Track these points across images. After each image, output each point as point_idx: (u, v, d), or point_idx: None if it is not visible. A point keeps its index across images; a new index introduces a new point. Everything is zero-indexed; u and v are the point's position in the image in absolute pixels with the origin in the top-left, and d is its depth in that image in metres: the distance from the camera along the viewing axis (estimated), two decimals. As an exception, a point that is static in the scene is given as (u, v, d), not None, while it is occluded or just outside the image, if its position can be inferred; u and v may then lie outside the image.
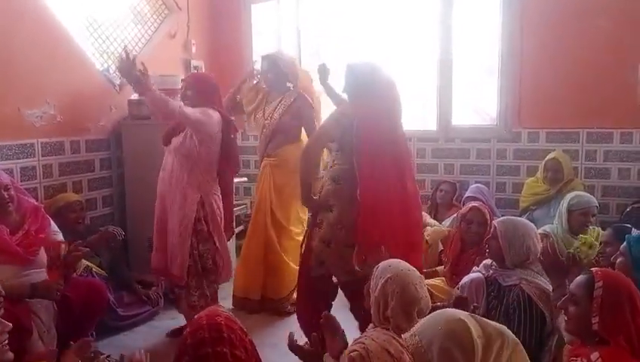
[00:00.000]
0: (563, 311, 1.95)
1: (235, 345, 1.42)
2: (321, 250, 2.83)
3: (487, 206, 3.97)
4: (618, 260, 2.36)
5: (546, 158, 3.99)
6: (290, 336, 2.00)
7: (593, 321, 1.76)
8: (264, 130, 3.79)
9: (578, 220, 3.33)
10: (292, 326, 2.97)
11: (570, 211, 3.35)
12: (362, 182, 2.69)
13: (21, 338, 2.33)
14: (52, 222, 2.83)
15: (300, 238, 3.43)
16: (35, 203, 2.82)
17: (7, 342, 1.73)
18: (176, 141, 3.08)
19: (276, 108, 3.74)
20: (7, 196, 2.61)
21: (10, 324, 1.74)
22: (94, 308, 2.82)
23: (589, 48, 4.11)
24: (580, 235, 3.21)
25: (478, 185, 4.29)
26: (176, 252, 3.05)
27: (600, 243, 3.02)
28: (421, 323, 1.49)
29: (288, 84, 3.79)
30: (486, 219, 3.25)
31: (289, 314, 3.62)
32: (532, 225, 2.80)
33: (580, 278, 1.88)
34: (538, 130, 4.36)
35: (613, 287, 1.78)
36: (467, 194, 4.16)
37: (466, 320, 1.40)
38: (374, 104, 2.78)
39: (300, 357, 1.99)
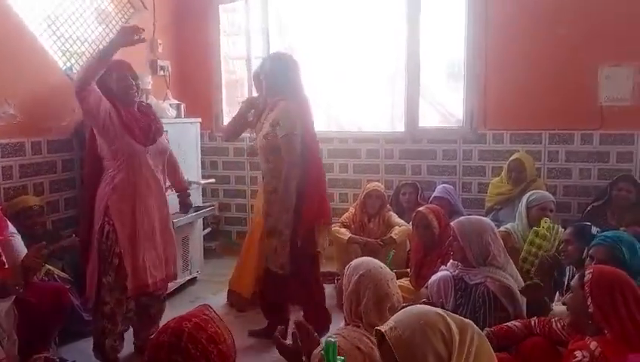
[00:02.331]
0: (566, 307, 2.08)
1: (191, 355, 1.39)
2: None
3: (451, 206, 4.06)
4: (589, 264, 2.46)
5: (510, 159, 4.09)
6: (279, 331, 1.99)
7: (588, 303, 1.91)
8: None
9: (536, 215, 3.42)
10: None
11: (528, 208, 3.46)
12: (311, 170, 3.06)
13: None
14: (10, 225, 2.75)
15: None
16: None
17: None
18: (161, 142, 2.96)
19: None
20: None
21: None
22: (57, 313, 2.74)
23: (551, 52, 4.22)
24: (534, 228, 3.30)
25: (445, 185, 4.36)
26: (167, 252, 2.99)
27: (562, 241, 3.10)
28: (398, 318, 1.50)
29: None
30: (429, 221, 3.27)
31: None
32: (488, 220, 2.88)
33: (577, 275, 2.06)
34: (502, 132, 4.45)
35: (601, 273, 1.96)
36: (434, 194, 4.23)
37: (443, 313, 1.44)
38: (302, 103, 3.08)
39: (281, 354, 1.99)
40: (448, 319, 1.42)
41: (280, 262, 3.04)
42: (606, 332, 1.87)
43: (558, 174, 4.37)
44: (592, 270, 1.99)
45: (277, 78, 3.07)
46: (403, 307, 2.19)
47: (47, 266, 3.12)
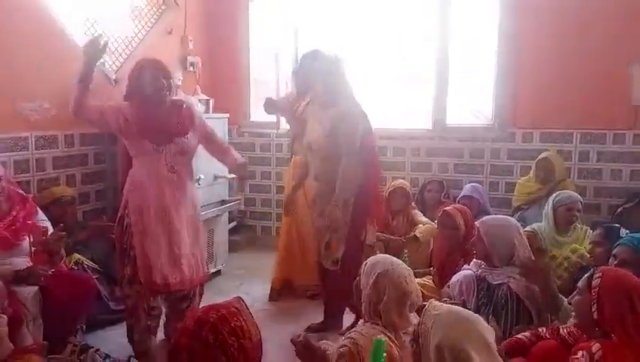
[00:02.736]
0: (573, 309, 2.08)
1: (210, 345, 1.42)
2: None
3: (479, 206, 4.01)
4: (613, 264, 2.41)
5: (538, 158, 4.02)
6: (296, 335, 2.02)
7: (593, 309, 1.86)
8: None
9: (564, 216, 3.36)
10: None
11: (555, 208, 3.39)
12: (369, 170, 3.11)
13: (12, 328, 2.34)
14: (40, 212, 2.85)
15: None
16: (24, 194, 2.83)
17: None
18: (184, 142, 2.92)
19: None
20: None
21: (5, 317, 1.74)
22: (80, 302, 2.78)
23: (584, 50, 4.14)
24: (575, 245, 3.24)
25: (474, 184, 4.30)
26: (189, 253, 2.95)
27: (590, 243, 3.05)
28: (444, 313, 1.58)
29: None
30: (456, 222, 3.20)
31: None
32: (513, 220, 2.84)
33: (586, 275, 2.01)
34: (532, 131, 4.38)
35: (610, 278, 1.89)
36: (463, 193, 4.18)
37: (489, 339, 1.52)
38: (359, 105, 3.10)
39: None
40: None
41: (334, 258, 3.11)
42: (613, 336, 1.82)
43: (589, 175, 4.28)
44: (600, 274, 1.92)
45: (335, 79, 3.08)
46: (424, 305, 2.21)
47: (77, 255, 3.22)
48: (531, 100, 4.34)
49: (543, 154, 4.02)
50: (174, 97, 3.00)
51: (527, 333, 2.33)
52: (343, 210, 3.05)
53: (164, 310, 3.11)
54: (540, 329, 2.30)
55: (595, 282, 1.89)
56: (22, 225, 2.68)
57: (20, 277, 2.52)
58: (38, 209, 2.86)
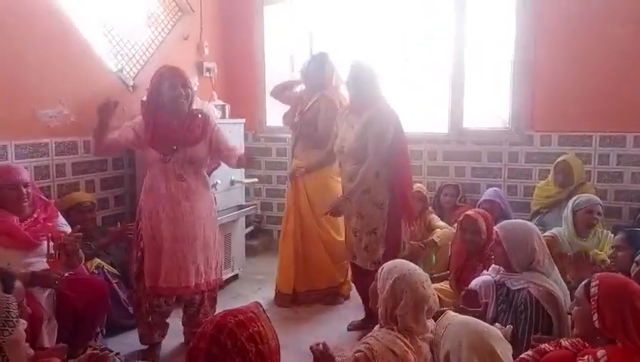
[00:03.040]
0: (571, 318, 2.02)
1: (228, 351, 1.42)
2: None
3: (501, 210, 3.96)
4: (635, 271, 2.36)
5: (556, 161, 3.97)
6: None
7: (594, 319, 1.82)
8: (292, 130, 3.93)
9: (583, 219, 3.31)
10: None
11: (574, 212, 3.35)
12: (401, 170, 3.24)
13: (33, 327, 2.37)
14: (60, 216, 2.90)
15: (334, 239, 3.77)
16: (46, 199, 2.91)
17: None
18: (192, 151, 2.98)
19: (303, 108, 3.78)
20: (25, 193, 2.70)
21: (25, 322, 1.77)
22: (95, 308, 2.81)
23: (602, 51, 4.08)
24: (596, 250, 3.19)
25: (496, 188, 4.26)
26: (198, 261, 3.02)
27: (612, 247, 3.00)
28: (455, 324, 1.54)
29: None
30: (479, 227, 3.15)
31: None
32: (532, 225, 2.80)
33: (582, 282, 1.94)
34: (550, 134, 4.33)
35: (608, 285, 1.86)
36: (484, 197, 4.12)
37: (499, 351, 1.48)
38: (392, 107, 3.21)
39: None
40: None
41: (374, 258, 3.21)
42: (618, 342, 1.78)
43: (609, 178, 4.21)
44: (597, 282, 1.87)
45: (365, 84, 3.18)
46: (441, 313, 2.19)
47: (98, 260, 3.26)
48: (549, 103, 4.29)
49: (562, 157, 3.97)
50: (194, 106, 3.06)
51: (529, 352, 2.23)
52: (379, 210, 3.18)
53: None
54: (542, 347, 2.22)
55: (593, 291, 1.85)
56: (42, 226, 2.73)
57: (37, 279, 2.55)
58: (59, 213, 2.91)
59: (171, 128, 2.93)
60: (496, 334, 1.63)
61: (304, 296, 3.83)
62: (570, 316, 2.03)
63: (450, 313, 1.68)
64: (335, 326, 3.49)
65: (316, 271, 3.83)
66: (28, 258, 2.64)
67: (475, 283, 2.77)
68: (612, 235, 3.27)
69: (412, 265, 2.15)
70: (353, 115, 3.24)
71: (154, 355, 3.07)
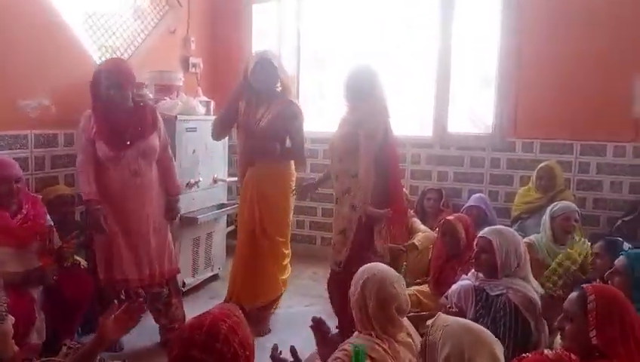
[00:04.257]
0: (559, 332, 1.96)
1: (225, 358, 1.37)
2: None
3: (485, 216, 3.99)
4: (616, 279, 2.37)
5: (540, 166, 4.02)
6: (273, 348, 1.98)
7: (591, 335, 1.75)
8: (250, 136, 3.39)
9: (560, 226, 3.35)
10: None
11: (552, 218, 3.38)
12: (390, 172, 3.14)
13: (25, 326, 2.37)
14: (48, 217, 2.87)
15: (286, 249, 3.60)
16: (33, 194, 2.89)
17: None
18: (145, 144, 3.00)
19: (265, 113, 3.36)
20: (15, 189, 2.66)
21: (13, 318, 1.74)
22: (81, 300, 2.81)
23: (585, 62, 4.14)
24: (568, 250, 3.23)
25: (481, 194, 4.32)
26: (153, 252, 3.08)
27: (590, 254, 3.04)
28: (452, 325, 1.55)
29: (277, 88, 3.43)
30: (458, 232, 3.20)
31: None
32: (511, 229, 2.81)
33: (572, 295, 1.88)
34: (533, 141, 4.38)
35: (606, 299, 1.78)
36: (470, 203, 4.17)
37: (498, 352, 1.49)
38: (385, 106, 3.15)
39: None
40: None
41: (336, 259, 3.19)
42: (612, 358, 1.71)
43: (588, 186, 4.28)
44: (593, 296, 1.78)
45: (362, 83, 3.12)
46: (420, 317, 2.19)
47: (76, 257, 3.20)
48: (532, 110, 4.34)
49: (545, 163, 4.03)
50: (138, 97, 3.15)
51: None
52: (353, 213, 3.09)
53: None
54: (524, 355, 2.23)
55: (591, 306, 1.77)
56: (33, 223, 2.71)
57: (33, 278, 2.56)
58: (46, 210, 2.88)
59: (122, 123, 2.94)
60: (492, 335, 1.64)
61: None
62: (552, 325, 2.00)
63: (443, 315, 1.67)
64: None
65: (263, 283, 3.53)
66: (19, 255, 2.62)
67: (454, 288, 2.77)
68: (589, 244, 3.32)
69: (384, 266, 2.15)
70: (348, 113, 3.22)
71: (116, 345, 3.03)
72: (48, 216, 2.86)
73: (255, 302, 3.48)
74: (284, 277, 3.67)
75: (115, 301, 2.27)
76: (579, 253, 3.23)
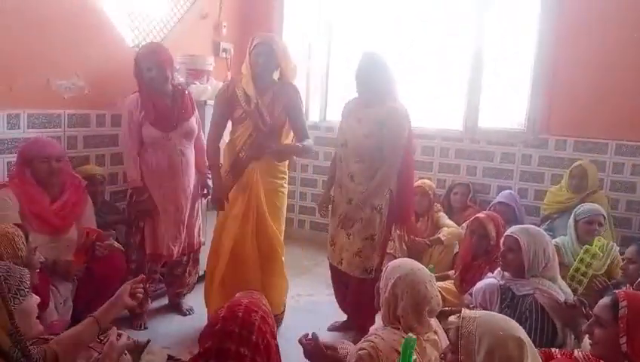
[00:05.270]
0: (587, 336, 1.93)
1: (260, 350, 1.36)
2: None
3: (514, 215, 3.92)
4: None
5: (573, 165, 3.93)
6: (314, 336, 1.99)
7: (621, 342, 1.73)
8: (259, 128, 3.04)
9: (583, 229, 3.30)
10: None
11: (576, 221, 3.34)
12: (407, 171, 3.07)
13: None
14: (90, 202, 2.97)
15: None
16: (80, 179, 2.95)
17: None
18: (188, 126, 3.20)
19: (270, 104, 3.07)
20: (56, 168, 2.72)
21: (38, 297, 1.77)
22: (112, 277, 2.83)
23: (624, 59, 4.02)
24: (586, 245, 3.18)
25: (511, 191, 4.25)
26: (190, 227, 3.33)
27: (622, 260, 2.96)
28: (483, 316, 1.54)
29: (275, 76, 3.18)
30: (488, 231, 3.14)
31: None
32: (540, 229, 2.75)
33: (603, 300, 1.86)
34: (566, 138, 4.27)
35: (638, 306, 1.75)
36: (499, 199, 4.10)
37: (526, 343, 1.47)
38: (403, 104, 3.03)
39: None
40: (527, 350, 1.47)
41: (367, 266, 2.98)
42: None
43: (622, 188, 4.16)
44: (625, 302, 1.75)
45: (378, 76, 2.95)
46: (444, 312, 2.16)
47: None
48: (567, 107, 4.23)
49: (578, 162, 3.94)
50: (176, 82, 3.30)
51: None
52: (378, 215, 2.97)
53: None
54: (553, 351, 2.19)
55: (622, 312, 1.74)
56: (70, 211, 2.76)
57: (57, 270, 2.62)
58: (90, 201, 2.97)
59: (166, 106, 3.13)
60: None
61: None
62: (576, 332, 1.96)
63: (467, 310, 1.63)
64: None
65: (275, 287, 3.26)
66: (53, 242, 2.69)
67: (479, 286, 2.74)
68: (617, 248, 3.25)
69: (417, 264, 2.11)
70: (361, 108, 3.00)
71: (143, 323, 3.23)
72: (91, 207, 2.96)
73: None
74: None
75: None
76: (599, 247, 3.15)
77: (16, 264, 1.93)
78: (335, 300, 3.38)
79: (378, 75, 2.96)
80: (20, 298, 1.66)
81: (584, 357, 2.00)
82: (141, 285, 2.09)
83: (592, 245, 3.17)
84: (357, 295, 3.06)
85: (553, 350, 2.20)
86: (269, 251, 3.18)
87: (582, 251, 3.17)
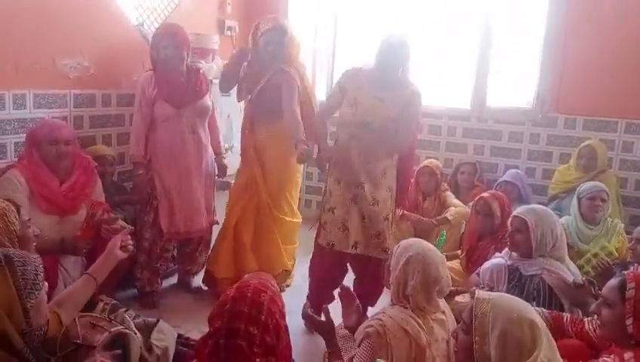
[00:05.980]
0: (596, 316, 1.93)
1: (269, 329, 1.37)
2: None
3: (519, 194, 3.92)
4: None
5: (582, 145, 3.89)
6: (305, 306, 2.02)
7: (627, 323, 1.73)
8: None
9: (586, 205, 3.29)
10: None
11: (579, 199, 3.33)
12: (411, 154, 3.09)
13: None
14: (99, 183, 2.96)
15: (288, 219, 3.48)
16: (90, 160, 2.94)
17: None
18: (202, 104, 3.23)
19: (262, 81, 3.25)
20: (65, 151, 2.72)
21: (47, 284, 1.76)
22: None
23: (635, 36, 3.95)
24: (605, 243, 3.16)
25: (518, 170, 4.21)
26: (204, 205, 3.33)
27: (631, 240, 2.95)
28: (497, 298, 1.55)
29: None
30: (492, 211, 3.12)
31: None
32: (547, 209, 2.74)
33: (612, 281, 1.86)
34: (575, 117, 4.23)
35: None
36: (504, 178, 4.07)
37: (539, 326, 1.48)
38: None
39: (313, 327, 2.02)
40: (541, 333, 1.49)
41: (384, 246, 2.91)
42: None
43: (632, 166, 4.13)
44: (633, 284, 1.75)
45: (400, 57, 2.82)
46: (452, 293, 2.17)
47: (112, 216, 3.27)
48: (576, 85, 4.18)
49: (587, 142, 3.90)
50: (190, 62, 3.30)
51: (547, 315, 2.23)
52: (390, 195, 2.95)
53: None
54: (564, 317, 2.22)
55: (630, 293, 1.74)
56: (79, 192, 2.77)
57: (66, 247, 2.62)
58: (99, 180, 2.96)
59: (180, 83, 3.15)
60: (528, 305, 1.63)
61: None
62: (594, 314, 1.96)
63: (480, 291, 1.63)
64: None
65: (267, 257, 3.42)
66: (61, 223, 2.70)
67: (486, 266, 2.75)
68: (622, 225, 3.24)
69: (428, 244, 2.12)
70: (380, 87, 2.83)
71: (153, 301, 3.27)
72: (100, 187, 2.95)
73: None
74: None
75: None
76: (611, 240, 3.15)
77: (11, 239, 1.99)
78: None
79: (407, 57, 2.84)
80: (36, 292, 1.62)
81: (594, 330, 2.02)
82: (129, 237, 2.21)
83: (606, 234, 3.19)
84: (377, 276, 2.93)
85: (564, 315, 2.23)
86: (261, 225, 3.40)
87: (599, 248, 3.13)
